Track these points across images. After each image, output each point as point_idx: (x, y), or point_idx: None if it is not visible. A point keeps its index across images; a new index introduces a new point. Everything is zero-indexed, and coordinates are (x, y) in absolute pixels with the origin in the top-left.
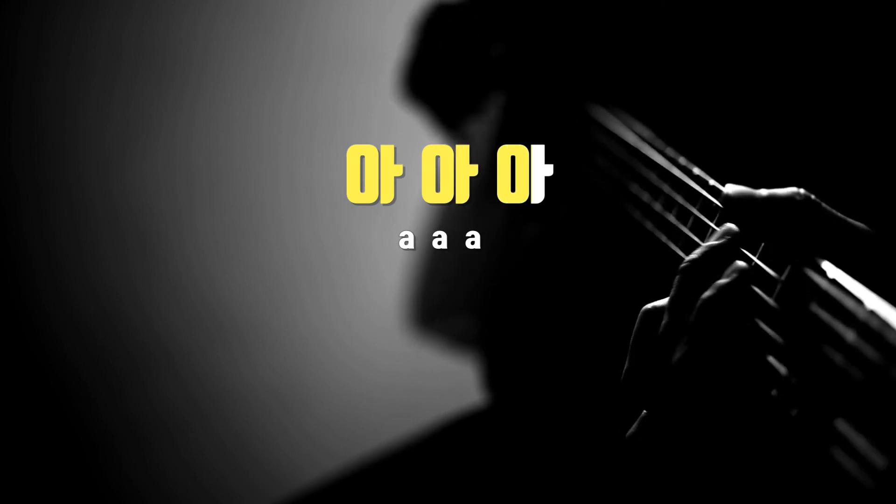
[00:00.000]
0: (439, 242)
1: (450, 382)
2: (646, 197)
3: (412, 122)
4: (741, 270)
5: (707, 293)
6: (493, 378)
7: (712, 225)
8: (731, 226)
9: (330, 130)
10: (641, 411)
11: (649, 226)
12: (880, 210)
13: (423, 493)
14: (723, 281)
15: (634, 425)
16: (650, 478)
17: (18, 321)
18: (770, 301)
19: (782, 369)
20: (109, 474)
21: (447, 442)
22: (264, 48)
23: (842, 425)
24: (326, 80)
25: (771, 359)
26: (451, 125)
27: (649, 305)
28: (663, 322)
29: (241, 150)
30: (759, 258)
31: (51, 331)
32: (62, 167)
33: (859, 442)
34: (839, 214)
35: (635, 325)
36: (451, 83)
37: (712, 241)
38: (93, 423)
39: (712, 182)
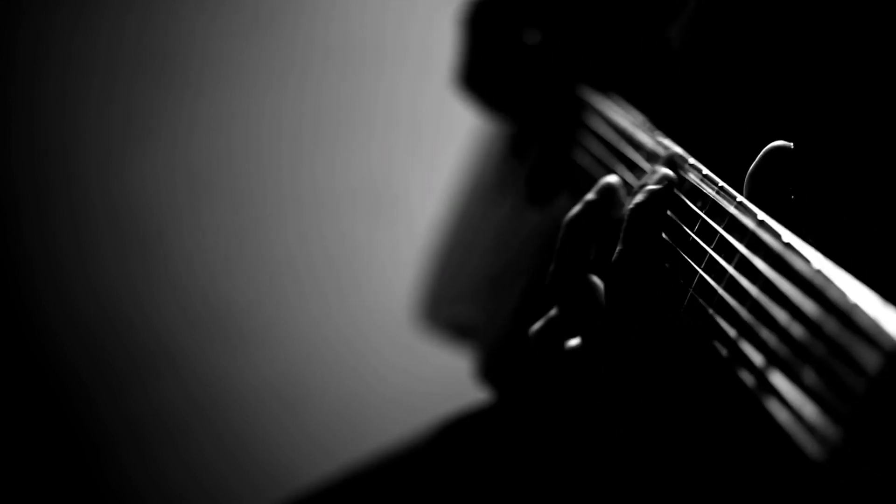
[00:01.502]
0: (448, 233)
1: (450, 382)
2: (630, 178)
3: (412, 122)
4: (668, 179)
5: (637, 197)
6: (491, 369)
7: (688, 202)
8: (667, 171)
9: (331, 129)
10: (548, 313)
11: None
12: (866, 198)
13: (424, 493)
14: (653, 187)
15: (541, 321)
16: (550, 377)
17: (18, 321)
18: (728, 267)
19: (731, 331)
20: (109, 474)
21: (448, 441)
22: (264, 47)
23: (777, 379)
24: (327, 79)
25: (720, 319)
26: (507, 113)
27: (570, 216)
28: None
29: (241, 149)
30: (723, 228)
31: (51, 331)
32: (62, 167)
33: (791, 394)
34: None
35: (560, 234)
36: (505, 79)
37: (651, 186)
38: (93, 423)
39: (692, 160)
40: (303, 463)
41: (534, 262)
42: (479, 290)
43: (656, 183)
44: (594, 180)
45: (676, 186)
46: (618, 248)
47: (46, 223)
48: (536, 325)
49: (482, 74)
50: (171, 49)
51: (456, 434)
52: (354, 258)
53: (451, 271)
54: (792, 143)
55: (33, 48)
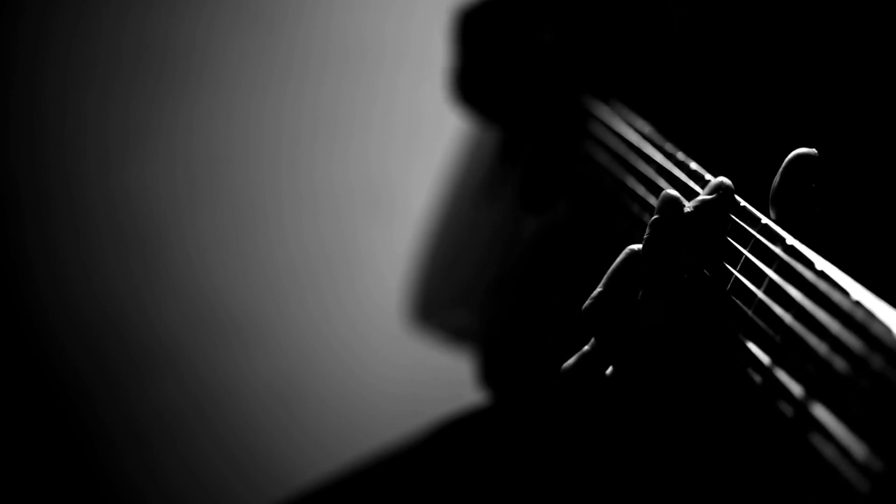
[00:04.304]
0: (441, 236)
1: (450, 382)
2: (641, 191)
3: (411, 122)
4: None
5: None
6: (491, 373)
7: None
8: (672, 193)
9: (330, 130)
10: (585, 345)
11: (647, 219)
12: (876, 206)
13: (423, 493)
14: (654, 217)
15: (574, 358)
16: (580, 417)
17: (18, 321)
18: (758, 292)
19: (765, 358)
20: (109, 474)
21: (446, 442)
22: (264, 48)
23: (820, 411)
24: (327, 80)
25: (751, 344)
26: (508, 123)
27: (635, 246)
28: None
29: (241, 149)
30: (748, 251)
31: (51, 331)
32: (62, 167)
33: (838, 429)
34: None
35: (617, 259)
36: (506, 87)
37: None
38: (93, 423)
39: (708, 177)
40: (303, 463)
41: (533, 268)
42: (475, 294)
43: (657, 212)
44: (596, 189)
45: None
46: (640, 289)
47: (46, 223)
48: (569, 363)
49: (478, 84)
50: (171, 49)
51: (454, 435)
52: (354, 258)
53: (442, 274)
54: (815, 150)
55: (33, 48)
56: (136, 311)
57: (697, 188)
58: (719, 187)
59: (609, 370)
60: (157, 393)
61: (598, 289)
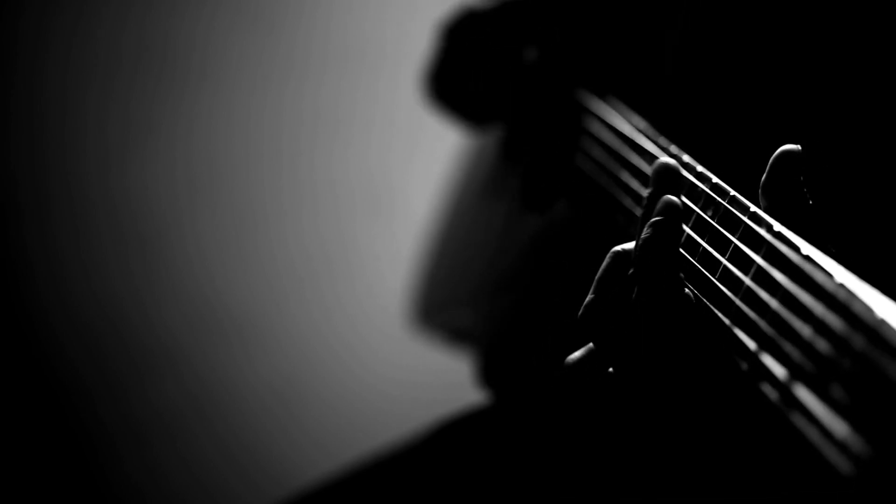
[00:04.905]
0: (442, 237)
1: (450, 382)
2: (635, 184)
3: (412, 122)
4: (671, 207)
5: (646, 232)
6: (491, 373)
7: (698, 210)
8: (671, 199)
9: (330, 130)
10: (587, 345)
11: (639, 212)
12: (872, 201)
13: (422, 493)
14: (657, 219)
15: (580, 352)
16: (584, 407)
17: (19, 321)
18: (745, 279)
19: (751, 344)
20: (110, 474)
21: (446, 442)
22: (264, 48)
23: (803, 394)
24: (327, 80)
25: (739, 332)
26: (478, 124)
27: (619, 247)
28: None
29: (241, 149)
30: (737, 238)
31: (51, 331)
32: (62, 167)
33: (821, 411)
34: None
35: (603, 264)
36: (481, 88)
37: (656, 219)
38: (93, 423)
39: (700, 168)
40: (303, 463)
41: (533, 268)
42: (476, 295)
43: (660, 214)
44: (595, 185)
45: (685, 194)
46: (636, 290)
47: (46, 223)
48: (575, 356)
49: (459, 84)
50: (171, 49)
51: (454, 435)
52: (354, 258)
53: (445, 274)
54: (800, 146)
55: (33, 48)
56: (136, 311)
57: (691, 177)
58: (668, 209)
59: (611, 369)
60: (157, 393)
61: (589, 296)
